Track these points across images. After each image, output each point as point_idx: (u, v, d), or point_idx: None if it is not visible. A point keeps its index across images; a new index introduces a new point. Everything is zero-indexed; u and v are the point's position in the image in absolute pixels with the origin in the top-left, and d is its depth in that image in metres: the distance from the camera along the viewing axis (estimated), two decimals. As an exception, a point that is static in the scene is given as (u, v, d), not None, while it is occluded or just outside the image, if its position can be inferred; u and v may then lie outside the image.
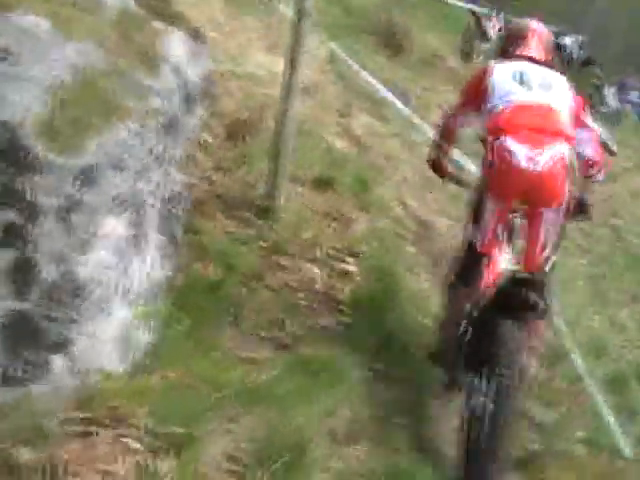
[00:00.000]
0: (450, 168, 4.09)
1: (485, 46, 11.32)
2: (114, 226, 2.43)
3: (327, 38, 8.05)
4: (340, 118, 7.05)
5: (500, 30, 12.00)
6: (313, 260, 4.64)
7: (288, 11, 8.84)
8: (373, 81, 8.03)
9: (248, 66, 7.02)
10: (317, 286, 4.44)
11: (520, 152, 3.08)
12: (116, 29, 2.74)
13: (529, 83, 3.34)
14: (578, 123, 3.38)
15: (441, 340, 3.72)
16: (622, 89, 12.83)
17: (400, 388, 3.94)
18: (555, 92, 3.35)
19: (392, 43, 9.00)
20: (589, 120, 3.49)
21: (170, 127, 2.83)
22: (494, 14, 11.39)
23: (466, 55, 10.95)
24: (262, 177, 5.07)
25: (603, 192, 9.71)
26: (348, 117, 7.11)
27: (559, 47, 12.48)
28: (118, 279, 2.49)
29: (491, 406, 3.02)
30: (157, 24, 3.01)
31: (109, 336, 2.55)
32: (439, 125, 4.08)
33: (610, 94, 12.11)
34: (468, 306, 3.27)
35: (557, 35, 12.90)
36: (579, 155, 3.30)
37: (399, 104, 8.03)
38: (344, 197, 5.58)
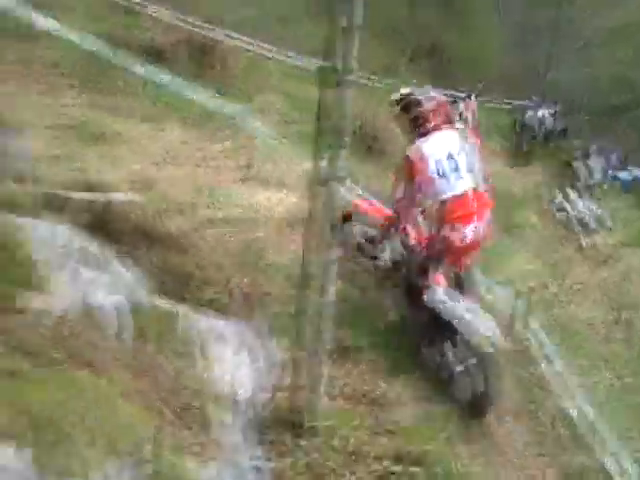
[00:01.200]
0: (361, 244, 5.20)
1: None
2: None
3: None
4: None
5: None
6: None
7: (254, 128, 7.70)
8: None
9: (223, 205, 5.76)
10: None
11: (466, 231, 4.48)
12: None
13: (457, 164, 4.50)
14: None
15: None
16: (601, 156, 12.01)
17: None
18: (470, 158, 4.56)
19: (375, 149, 7.92)
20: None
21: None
22: (468, 99, 10.79)
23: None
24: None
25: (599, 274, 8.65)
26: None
27: (523, 125, 11.91)
28: None
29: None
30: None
31: None
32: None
33: (597, 165, 11.46)
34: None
35: (525, 110, 12.26)
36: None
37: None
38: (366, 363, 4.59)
